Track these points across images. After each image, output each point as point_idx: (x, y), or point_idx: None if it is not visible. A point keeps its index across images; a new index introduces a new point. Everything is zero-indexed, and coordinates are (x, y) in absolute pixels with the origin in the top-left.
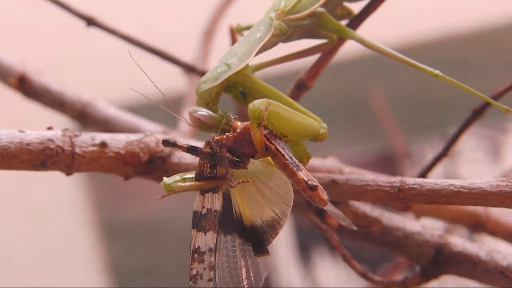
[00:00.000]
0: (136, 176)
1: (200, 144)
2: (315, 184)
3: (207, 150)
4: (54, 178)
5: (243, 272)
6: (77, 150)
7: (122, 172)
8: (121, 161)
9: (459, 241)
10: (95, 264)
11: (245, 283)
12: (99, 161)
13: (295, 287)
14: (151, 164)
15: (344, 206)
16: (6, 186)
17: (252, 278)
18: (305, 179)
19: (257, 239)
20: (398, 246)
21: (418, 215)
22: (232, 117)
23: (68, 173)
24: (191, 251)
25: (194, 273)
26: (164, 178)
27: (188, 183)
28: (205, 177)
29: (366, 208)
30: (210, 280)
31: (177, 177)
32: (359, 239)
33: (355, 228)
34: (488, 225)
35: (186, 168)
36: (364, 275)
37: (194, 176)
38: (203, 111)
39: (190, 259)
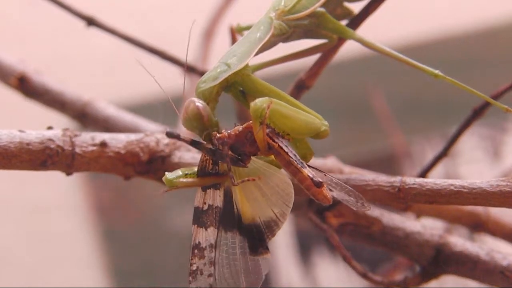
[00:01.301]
0: (136, 176)
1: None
2: (320, 180)
3: (209, 146)
4: (54, 178)
5: (242, 270)
6: (77, 150)
7: (122, 172)
8: (121, 161)
9: (459, 241)
10: (94, 264)
11: (243, 281)
12: (99, 161)
13: (295, 287)
14: (151, 164)
15: (344, 206)
16: (6, 186)
17: (251, 276)
18: (310, 176)
19: (255, 239)
20: (398, 246)
21: (418, 215)
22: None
23: (68, 173)
24: (192, 247)
25: (194, 268)
26: (166, 173)
27: (190, 179)
28: (207, 174)
29: None
30: (210, 275)
31: (179, 172)
32: (359, 239)
33: (369, 208)
34: (488, 225)
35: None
36: (364, 275)
37: (195, 172)
38: (202, 103)
39: (191, 255)
